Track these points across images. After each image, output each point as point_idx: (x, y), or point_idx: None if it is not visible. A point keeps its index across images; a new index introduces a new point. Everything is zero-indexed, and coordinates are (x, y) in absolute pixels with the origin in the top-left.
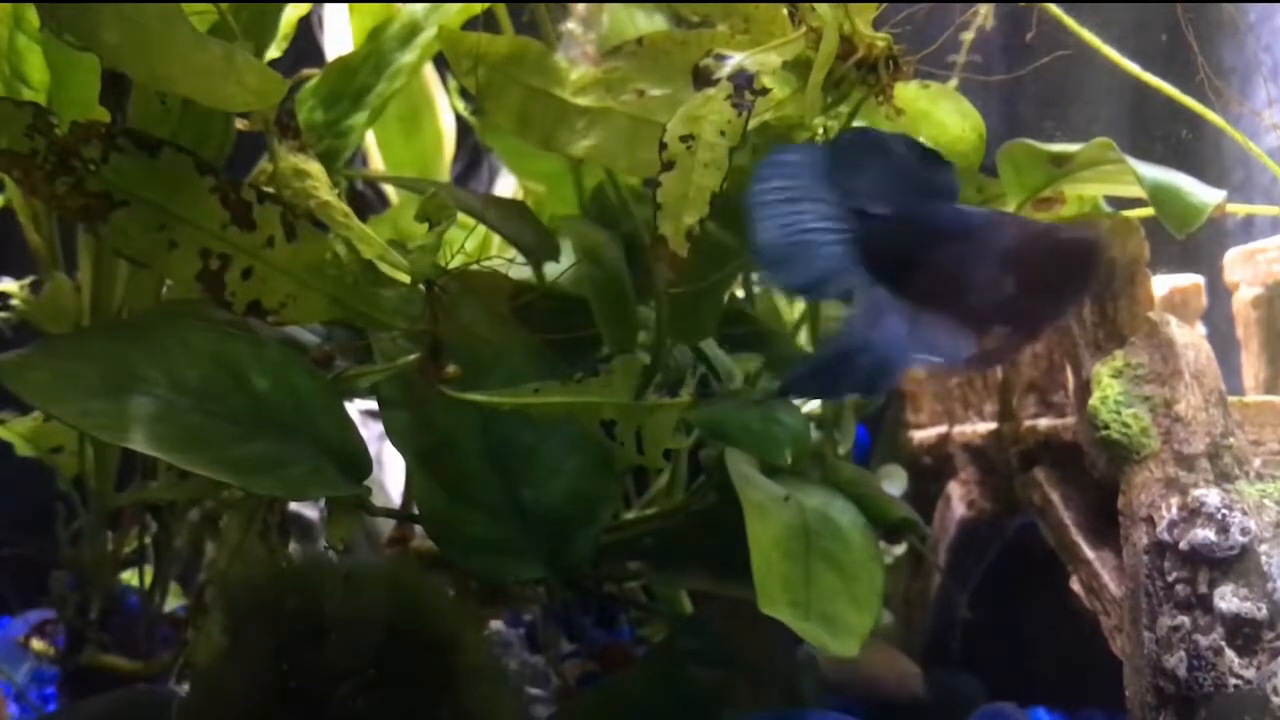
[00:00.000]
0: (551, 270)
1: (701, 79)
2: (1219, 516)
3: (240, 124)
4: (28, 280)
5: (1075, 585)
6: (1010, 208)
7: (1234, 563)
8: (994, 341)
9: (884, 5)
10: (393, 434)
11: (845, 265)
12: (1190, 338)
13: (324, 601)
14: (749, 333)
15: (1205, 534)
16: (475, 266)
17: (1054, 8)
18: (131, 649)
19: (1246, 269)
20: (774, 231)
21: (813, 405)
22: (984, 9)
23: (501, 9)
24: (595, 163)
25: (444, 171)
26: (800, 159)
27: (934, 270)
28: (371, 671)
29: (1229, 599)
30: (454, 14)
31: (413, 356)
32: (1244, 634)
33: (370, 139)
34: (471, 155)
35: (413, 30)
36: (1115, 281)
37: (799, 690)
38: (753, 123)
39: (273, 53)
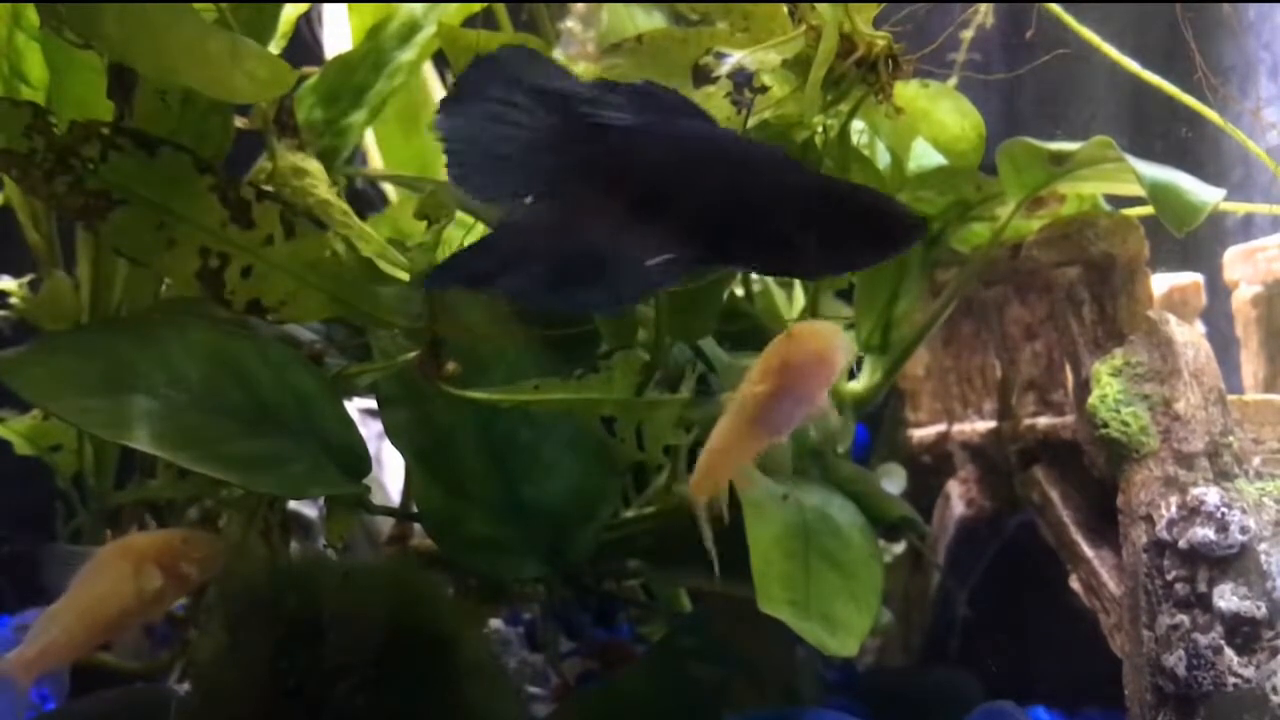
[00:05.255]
0: None
1: (701, 77)
2: (1218, 515)
3: (239, 122)
4: (27, 278)
5: (1074, 583)
6: (1009, 206)
7: (1233, 561)
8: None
9: (884, 4)
10: (392, 432)
11: (535, 171)
12: (1189, 336)
13: (323, 600)
14: (748, 330)
15: (1204, 532)
16: None
17: (1054, 6)
18: (131, 648)
19: (1246, 267)
20: (464, 136)
21: None
22: (984, 7)
23: (500, 7)
24: None
25: (443, 170)
26: (510, 62)
27: (665, 187)
28: (370, 669)
29: (1228, 597)
30: (453, 11)
31: (412, 354)
32: (1243, 632)
33: (369, 137)
34: None
35: (412, 28)
36: (1115, 280)
37: (798, 688)
38: (752, 121)
39: (271, 50)
